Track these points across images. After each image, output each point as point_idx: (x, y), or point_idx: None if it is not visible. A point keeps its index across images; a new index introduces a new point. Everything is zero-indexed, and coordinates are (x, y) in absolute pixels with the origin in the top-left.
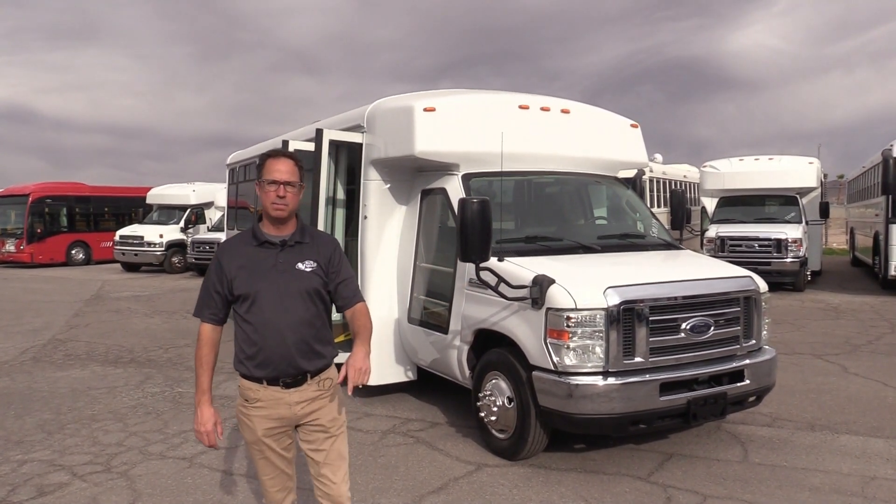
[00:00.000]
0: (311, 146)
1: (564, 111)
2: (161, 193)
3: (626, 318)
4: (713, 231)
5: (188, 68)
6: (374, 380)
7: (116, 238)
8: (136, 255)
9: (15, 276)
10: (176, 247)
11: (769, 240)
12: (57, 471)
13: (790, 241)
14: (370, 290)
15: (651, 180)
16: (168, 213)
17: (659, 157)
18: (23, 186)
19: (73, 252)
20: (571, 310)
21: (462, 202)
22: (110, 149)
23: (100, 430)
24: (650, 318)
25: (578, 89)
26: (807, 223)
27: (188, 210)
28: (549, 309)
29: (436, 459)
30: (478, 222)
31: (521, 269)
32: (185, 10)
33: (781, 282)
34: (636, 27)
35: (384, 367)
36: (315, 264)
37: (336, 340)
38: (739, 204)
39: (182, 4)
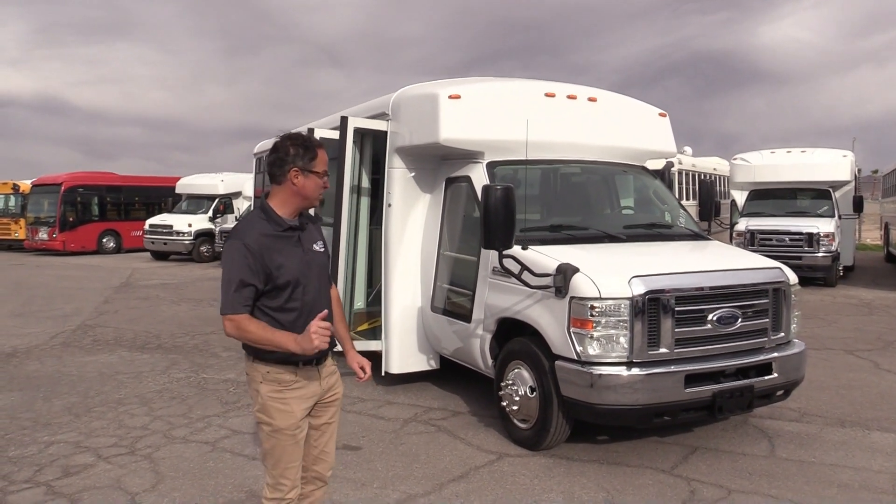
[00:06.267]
0: (336, 134)
1: (591, 99)
2: (190, 183)
3: (651, 308)
4: (743, 224)
5: (217, 62)
6: (397, 368)
7: (146, 227)
8: (165, 243)
9: (47, 263)
10: (204, 236)
11: (800, 234)
12: (82, 452)
13: (822, 235)
14: (393, 279)
15: (680, 173)
16: (197, 202)
17: (689, 149)
18: (55, 176)
19: (104, 240)
20: (595, 299)
21: (486, 189)
22: (142, 140)
23: (126, 414)
24: (676, 309)
25: (606, 83)
26: (840, 217)
27: (216, 200)
28: (572, 298)
29: (457, 448)
30: (501, 209)
31: (545, 257)
32: (215, 6)
33: (813, 277)
34: (664, 21)
35: (407, 355)
36: (322, 244)
37: (360, 329)
38: (770, 197)
39: (211, 0)
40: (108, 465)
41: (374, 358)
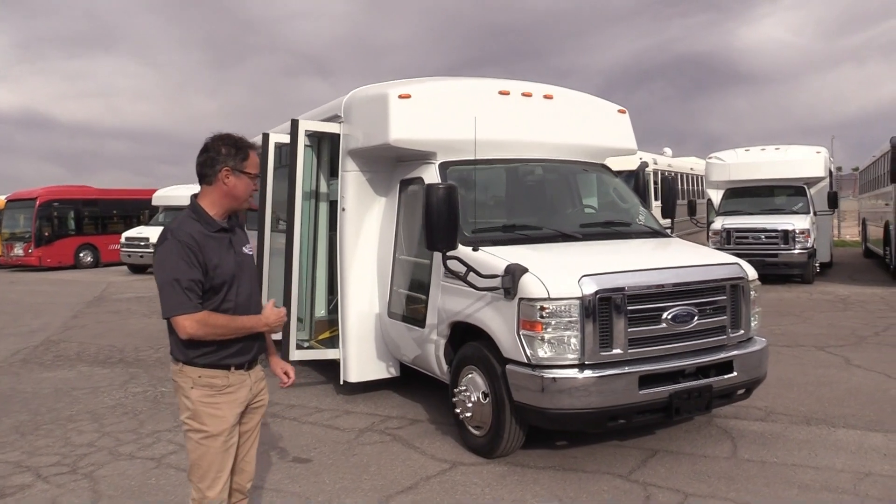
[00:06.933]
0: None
1: (547, 96)
2: (166, 195)
3: (602, 307)
4: (719, 223)
5: (202, 73)
6: (355, 377)
7: (122, 240)
8: (141, 256)
9: (22, 279)
10: None
11: (776, 231)
12: (22, 472)
13: (798, 232)
14: (349, 285)
15: (656, 173)
16: (174, 214)
17: (668, 150)
18: (30, 190)
19: (82, 255)
20: (544, 299)
21: (428, 188)
22: (127, 153)
23: (74, 431)
24: (629, 308)
25: (590, 86)
26: (815, 214)
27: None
28: (521, 299)
29: (410, 458)
30: (444, 209)
31: (495, 258)
32: (198, 17)
33: (789, 274)
34: (646, 23)
35: (365, 363)
36: (250, 248)
37: (321, 337)
38: (746, 195)
39: (194, 11)
40: (45, 486)
41: (334, 367)
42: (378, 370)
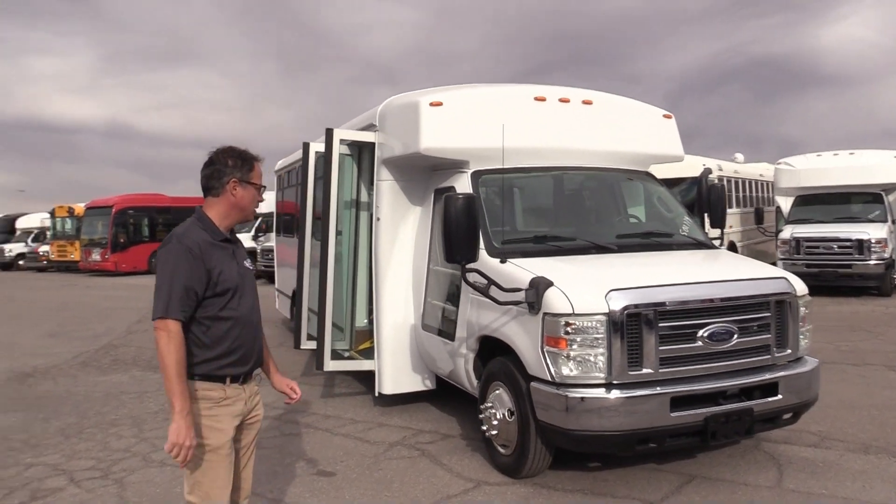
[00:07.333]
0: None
1: (586, 102)
2: None
3: (631, 324)
4: (788, 232)
5: (275, 84)
6: (390, 389)
7: None
8: None
9: (98, 284)
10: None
11: (850, 240)
12: (57, 476)
13: (873, 241)
14: (384, 295)
15: (721, 179)
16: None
17: (740, 156)
18: (107, 199)
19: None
20: (569, 315)
21: (446, 198)
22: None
23: (114, 436)
24: (660, 325)
25: (661, 92)
26: (893, 222)
27: (258, 219)
28: (545, 314)
29: (435, 475)
30: (463, 220)
31: (520, 270)
32: (272, 29)
33: (864, 286)
34: (719, 25)
35: (400, 375)
36: (250, 262)
37: (361, 347)
38: (817, 202)
39: (268, 24)
40: (76, 490)
41: (374, 378)
42: (413, 382)
